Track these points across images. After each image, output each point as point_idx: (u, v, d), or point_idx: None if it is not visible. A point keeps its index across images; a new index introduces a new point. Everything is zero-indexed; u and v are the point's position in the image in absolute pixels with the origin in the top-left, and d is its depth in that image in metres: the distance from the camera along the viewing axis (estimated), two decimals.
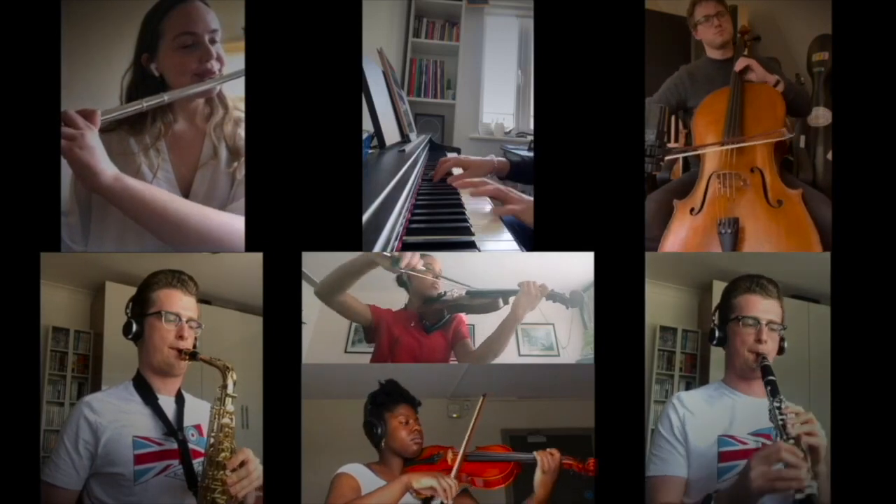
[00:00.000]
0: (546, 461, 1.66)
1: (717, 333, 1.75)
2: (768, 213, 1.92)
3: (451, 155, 2.56)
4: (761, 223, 1.92)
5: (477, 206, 2.07)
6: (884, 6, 1.84)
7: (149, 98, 1.70)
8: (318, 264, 1.86)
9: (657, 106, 1.97)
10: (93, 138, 1.58)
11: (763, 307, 1.71)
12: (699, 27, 2.08)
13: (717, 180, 1.96)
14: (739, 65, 2.02)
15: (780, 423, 1.56)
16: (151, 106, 1.70)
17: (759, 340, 1.69)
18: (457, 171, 2.34)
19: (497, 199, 2.01)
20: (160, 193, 1.68)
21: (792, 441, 1.53)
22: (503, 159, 2.31)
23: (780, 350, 1.72)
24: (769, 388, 1.61)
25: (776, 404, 1.58)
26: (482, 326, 1.95)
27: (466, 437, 1.72)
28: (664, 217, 1.97)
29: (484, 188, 2.04)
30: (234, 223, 1.73)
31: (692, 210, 1.97)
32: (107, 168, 1.60)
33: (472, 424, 1.73)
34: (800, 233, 1.88)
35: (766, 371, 1.65)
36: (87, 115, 1.59)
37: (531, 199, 1.90)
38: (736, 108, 1.98)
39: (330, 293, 1.89)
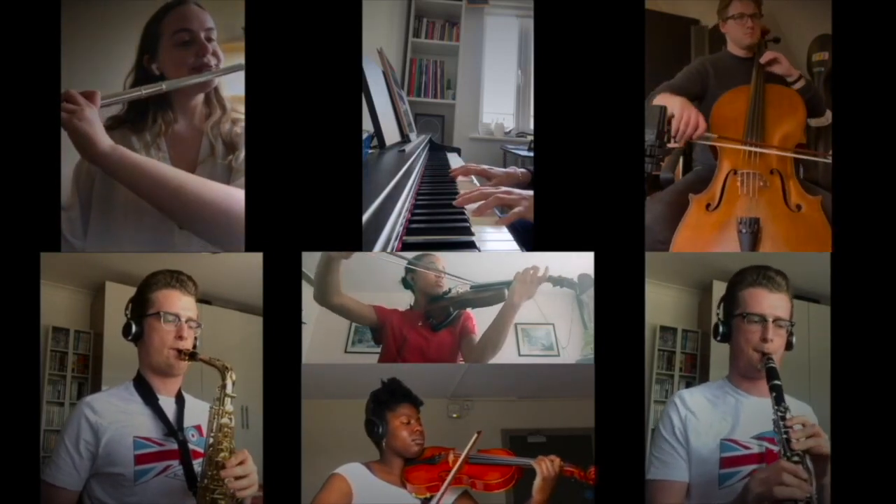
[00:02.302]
0: (546, 468, 1.64)
1: (720, 329, 1.68)
2: (788, 216, 1.91)
3: (451, 155, 2.57)
4: (781, 226, 1.90)
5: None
6: (884, 6, 1.84)
7: (147, 85, 1.73)
8: (318, 264, 1.86)
9: (657, 106, 1.97)
10: (91, 112, 1.61)
11: (770, 302, 1.64)
12: (730, 22, 2.04)
13: (735, 178, 1.95)
14: (766, 57, 2.00)
15: (785, 437, 1.49)
16: (150, 93, 1.73)
17: (764, 339, 1.62)
18: (465, 179, 2.33)
19: (500, 206, 1.98)
20: (158, 163, 1.70)
21: (796, 458, 1.47)
22: (525, 170, 2.27)
23: (789, 345, 1.65)
24: (774, 393, 1.54)
25: (780, 413, 1.51)
26: (489, 322, 1.94)
27: (464, 453, 1.71)
28: (675, 217, 1.95)
29: (488, 204, 1.95)
30: (233, 192, 1.73)
31: (708, 206, 1.95)
32: (104, 138, 1.63)
33: (465, 453, 1.71)
34: (819, 239, 1.86)
35: (770, 374, 1.57)
36: (88, 95, 1.63)
37: (530, 192, 1.87)
38: (758, 109, 1.97)
39: (322, 297, 1.89)
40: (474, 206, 1.97)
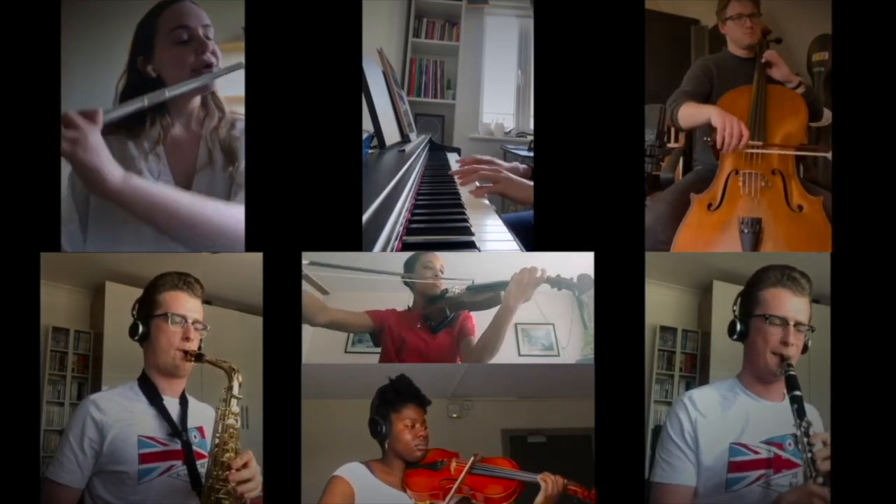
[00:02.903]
0: (550, 486, 1.63)
1: (738, 327, 1.64)
2: (789, 217, 1.90)
3: (451, 155, 2.57)
4: (782, 227, 1.90)
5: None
6: (884, 6, 1.84)
7: (150, 94, 1.68)
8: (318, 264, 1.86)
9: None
10: (95, 139, 1.54)
11: (792, 305, 1.60)
12: (729, 23, 2.03)
13: (737, 178, 1.95)
14: (766, 56, 1.99)
15: (810, 457, 1.46)
16: (154, 102, 1.68)
17: (785, 343, 1.59)
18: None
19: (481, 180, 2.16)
20: (169, 191, 1.67)
21: (821, 479, 1.45)
22: (526, 166, 2.30)
23: (804, 349, 1.62)
24: (795, 406, 1.51)
25: (803, 428, 1.48)
26: (488, 322, 1.94)
27: (466, 468, 1.70)
28: (676, 217, 1.95)
29: (470, 176, 2.16)
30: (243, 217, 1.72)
31: (710, 205, 1.95)
32: (114, 170, 1.56)
33: (467, 468, 1.70)
34: (820, 239, 1.85)
35: (791, 384, 1.53)
36: (89, 116, 1.56)
37: (512, 175, 1.98)
38: (760, 109, 1.97)
39: (309, 319, 1.85)
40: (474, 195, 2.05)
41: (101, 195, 1.59)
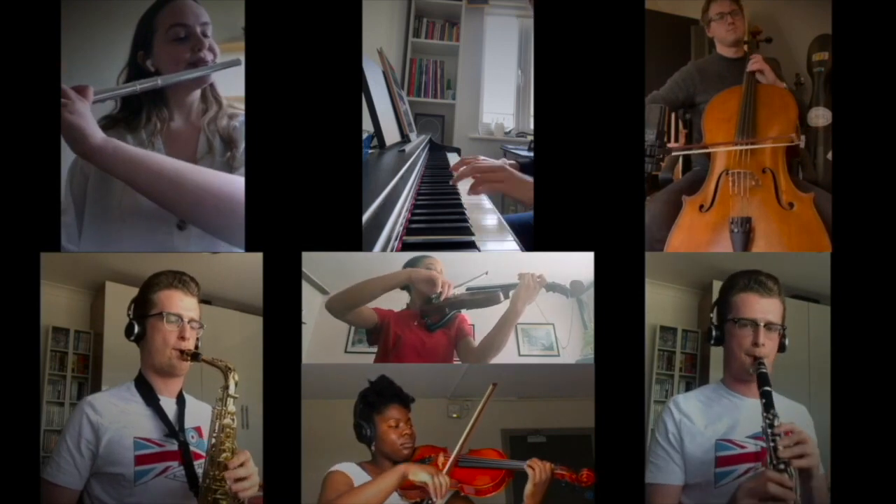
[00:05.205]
0: (537, 473, 1.63)
1: (714, 333, 1.71)
2: (780, 214, 1.91)
3: (451, 155, 2.57)
4: (773, 225, 1.91)
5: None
6: (884, 6, 1.84)
7: (143, 80, 1.72)
8: (318, 264, 1.86)
9: (657, 106, 1.97)
10: (83, 106, 1.60)
11: (761, 307, 1.66)
12: (712, 24, 2.08)
13: (728, 178, 1.96)
14: (752, 66, 2.02)
15: (772, 445, 1.52)
16: (145, 88, 1.72)
17: (755, 344, 1.64)
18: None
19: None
20: (153, 154, 1.69)
21: (782, 466, 1.50)
22: (514, 162, 2.36)
23: (782, 347, 1.67)
24: (764, 400, 1.56)
25: (768, 420, 1.53)
26: (486, 325, 1.94)
27: (464, 435, 1.70)
28: (672, 217, 1.96)
29: (464, 172, 2.13)
30: (233, 180, 1.71)
31: (701, 207, 1.96)
32: (96, 131, 1.61)
33: (478, 411, 1.71)
34: (812, 237, 1.87)
35: (762, 380, 1.59)
36: (80, 90, 1.62)
37: (515, 172, 1.98)
38: (749, 109, 1.98)
39: (345, 309, 1.87)
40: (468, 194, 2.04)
41: (82, 154, 1.63)
